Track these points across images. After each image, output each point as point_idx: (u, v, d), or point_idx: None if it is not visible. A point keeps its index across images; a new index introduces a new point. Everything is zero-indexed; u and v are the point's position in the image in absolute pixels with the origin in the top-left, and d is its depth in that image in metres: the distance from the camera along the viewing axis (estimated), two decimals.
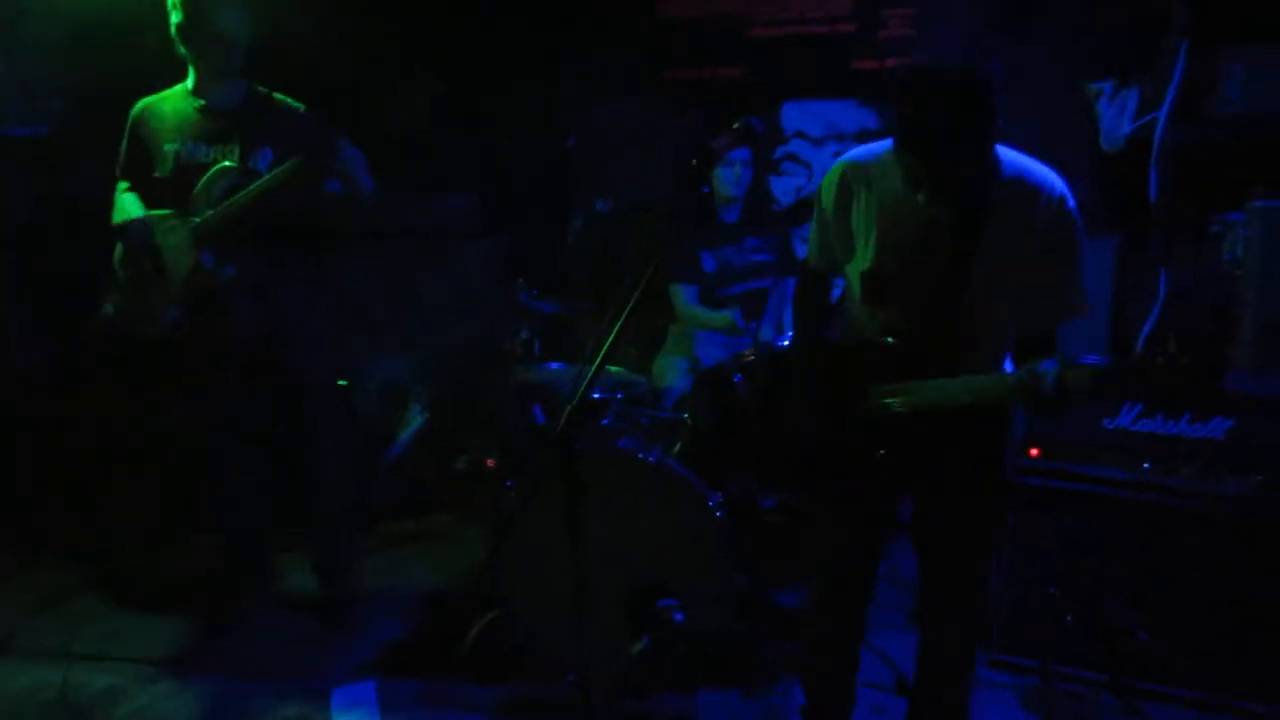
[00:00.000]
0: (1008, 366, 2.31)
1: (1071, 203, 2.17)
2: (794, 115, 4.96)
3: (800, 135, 4.97)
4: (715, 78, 4.99)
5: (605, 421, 3.35)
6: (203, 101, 3.31)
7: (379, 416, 4.75)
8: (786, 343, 3.40)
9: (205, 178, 3.24)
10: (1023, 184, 2.16)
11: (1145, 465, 3.03)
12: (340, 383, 4.42)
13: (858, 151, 2.33)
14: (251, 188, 3.19)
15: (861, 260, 2.31)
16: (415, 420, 4.80)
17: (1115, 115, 4.30)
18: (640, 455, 3.07)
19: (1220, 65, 4.02)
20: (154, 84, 3.39)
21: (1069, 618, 3.06)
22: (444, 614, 3.68)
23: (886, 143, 2.21)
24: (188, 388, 3.47)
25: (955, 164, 2.05)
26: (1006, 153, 2.19)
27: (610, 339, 2.20)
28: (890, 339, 2.29)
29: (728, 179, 4.02)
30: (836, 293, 2.60)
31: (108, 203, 3.37)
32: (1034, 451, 3.15)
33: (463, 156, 5.16)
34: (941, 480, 2.36)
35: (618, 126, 5.18)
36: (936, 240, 2.19)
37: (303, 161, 3.15)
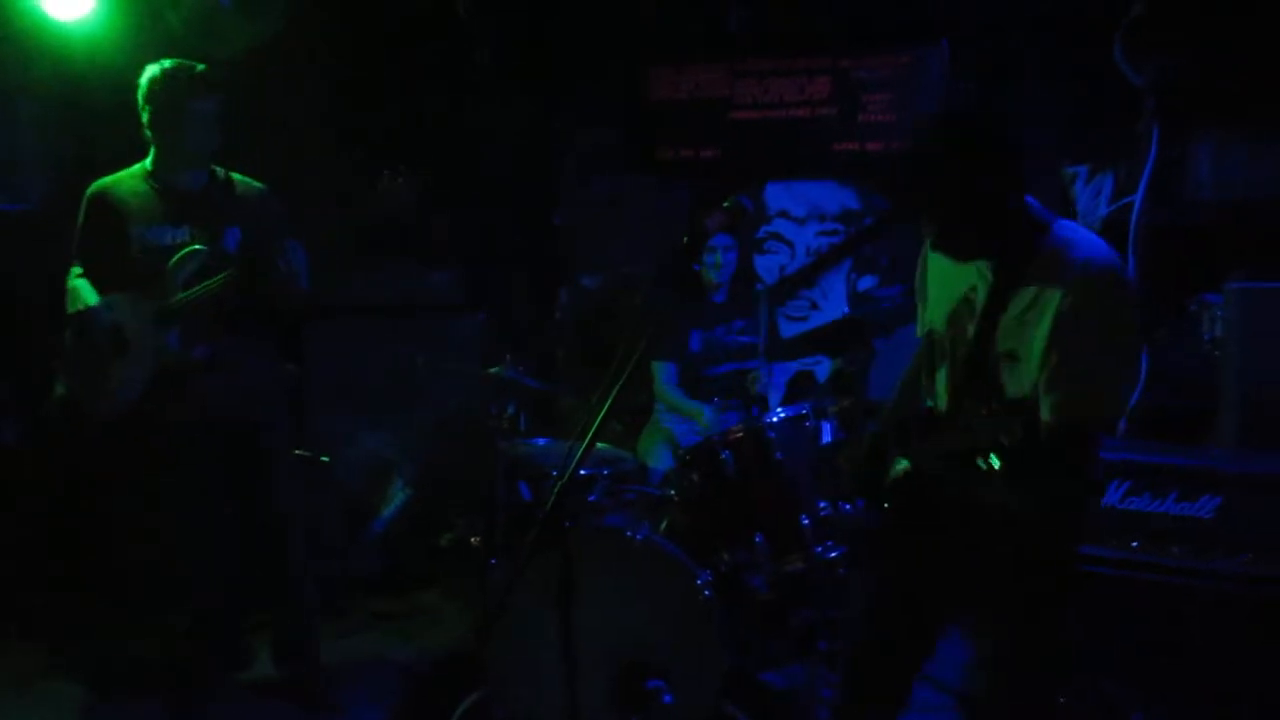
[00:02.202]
0: None
1: (1121, 291, 2.01)
2: (778, 195, 5.05)
3: (784, 215, 5.05)
4: (700, 158, 5.08)
5: (592, 498, 3.33)
6: (164, 184, 3.25)
7: (362, 492, 4.69)
8: (775, 420, 3.41)
9: (175, 259, 3.16)
10: (1063, 254, 2.02)
11: (1134, 544, 3.02)
12: (323, 459, 4.38)
13: None
14: (224, 274, 3.13)
15: (921, 325, 2.35)
16: (399, 496, 4.74)
17: (1091, 198, 4.41)
18: (628, 533, 3.05)
19: (1191, 151, 4.13)
20: (135, 161, 3.39)
21: (1061, 699, 3.02)
22: (427, 695, 3.59)
23: None
24: (147, 469, 3.35)
25: (937, 202, 2.06)
26: (1064, 226, 2.09)
27: (601, 415, 2.20)
28: (928, 408, 2.27)
29: (709, 264, 4.06)
30: None
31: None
32: None
33: (450, 233, 5.21)
34: (990, 593, 2.20)
35: (605, 204, 5.26)
36: (970, 305, 2.15)
37: (276, 246, 3.10)
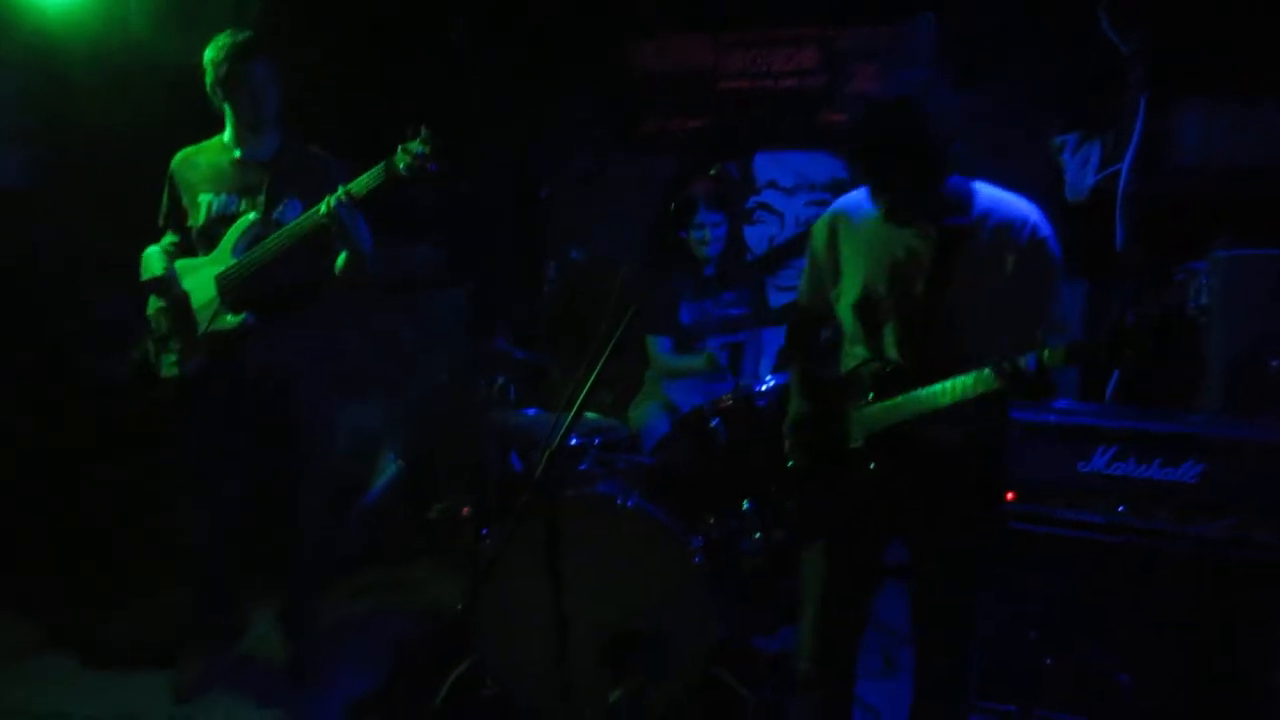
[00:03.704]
0: None
1: (1046, 232, 2.29)
2: (766, 165, 5.04)
3: (772, 185, 5.04)
4: (687, 129, 5.06)
5: (583, 466, 3.34)
6: (238, 153, 3.36)
7: (352, 465, 4.69)
8: (764, 388, 3.42)
9: (232, 229, 3.29)
10: (996, 214, 2.29)
11: (1120, 508, 3.05)
12: None
13: (846, 198, 2.50)
14: (270, 239, 3.22)
15: (850, 292, 2.43)
16: (389, 469, 4.75)
17: (1079, 168, 4.42)
18: (618, 500, 3.06)
19: (1177, 120, 4.14)
20: (127, 137, 3.40)
21: (1047, 661, 3.06)
22: (417, 665, 3.61)
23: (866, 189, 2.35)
24: (199, 432, 3.44)
25: (897, 178, 2.21)
26: (983, 187, 2.34)
27: (588, 385, 2.21)
28: (878, 362, 2.38)
29: (697, 240, 4.04)
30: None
31: (69, 256, 3.36)
32: (1009, 495, 3.16)
33: (435, 206, 5.18)
34: (936, 519, 2.40)
35: (590, 177, 5.23)
36: (916, 266, 2.31)
37: (313, 219, 3.17)
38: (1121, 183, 4.19)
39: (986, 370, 2.15)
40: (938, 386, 2.23)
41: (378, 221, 3.33)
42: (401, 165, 3.07)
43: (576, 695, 2.47)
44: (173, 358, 3.33)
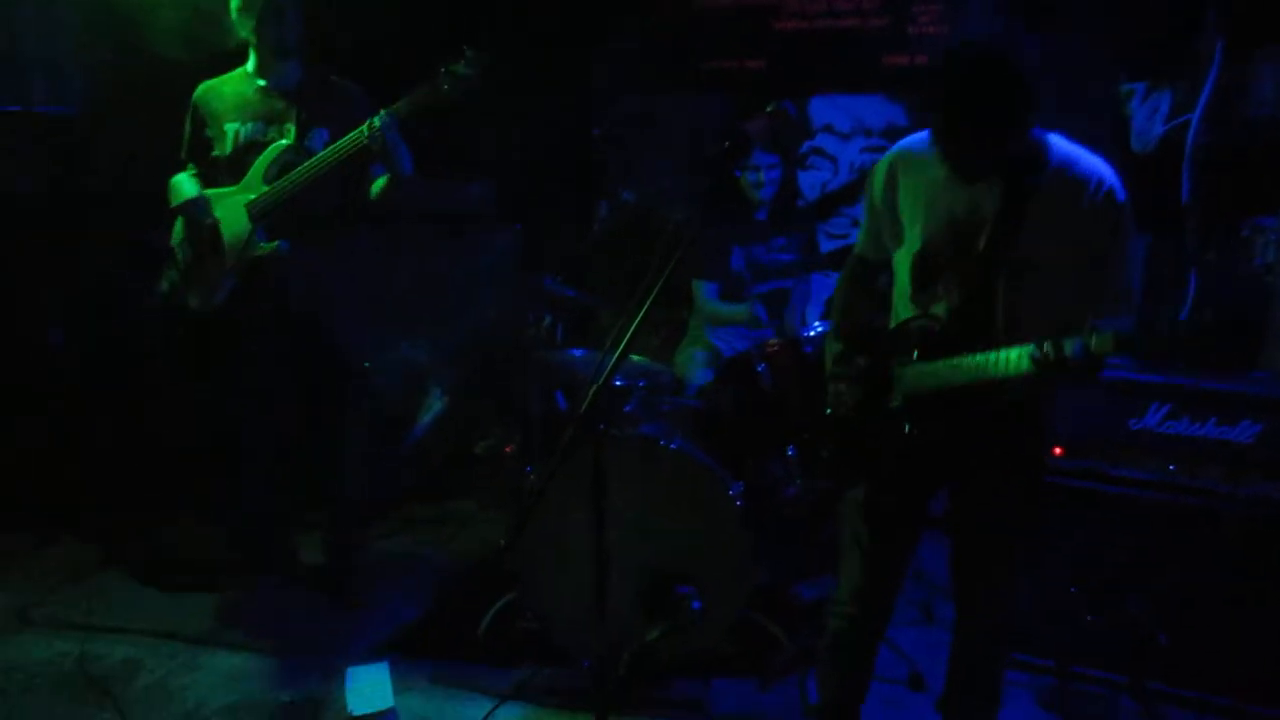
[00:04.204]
0: None
1: (1122, 195, 2.15)
2: (822, 109, 4.94)
3: (828, 129, 4.95)
4: (743, 69, 4.97)
5: (628, 408, 3.35)
6: (263, 82, 3.38)
7: (399, 400, 4.75)
8: (812, 334, 3.39)
9: (262, 156, 3.31)
10: (1070, 172, 2.16)
11: (1171, 467, 3.00)
12: (364, 365, 4.43)
13: (906, 141, 2.37)
14: (304, 166, 3.25)
15: (910, 244, 2.33)
16: (435, 405, 4.80)
17: (1147, 117, 4.28)
18: (662, 441, 3.07)
19: (1254, 69, 3.98)
20: (177, 68, 3.42)
21: (1089, 618, 3.04)
22: (460, 597, 3.69)
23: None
24: (230, 361, 3.52)
25: (979, 137, 2.07)
26: (1058, 141, 2.20)
27: (634, 325, 2.20)
28: (927, 320, 2.30)
29: (752, 183, 3.98)
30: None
31: (127, 183, 3.41)
32: (1058, 450, 3.12)
33: (488, 144, 5.17)
34: (978, 472, 2.36)
35: (645, 116, 5.18)
36: (979, 222, 2.20)
37: (354, 142, 3.19)
38: (1191, 134, 4.05)
39: (1032, 352, 2.03)
40: (981, 357, 2.15)
41: (431, 160, 3.34)
42: (446, 85, 3.09)
43: (615, 633, 2.50)
44: (203, 287, 3.37)
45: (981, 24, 4.58)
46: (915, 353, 2.30)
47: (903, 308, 2.40)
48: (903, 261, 2.37)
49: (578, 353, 3.83)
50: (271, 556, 3.81)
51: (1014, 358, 2.09)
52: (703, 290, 4.09)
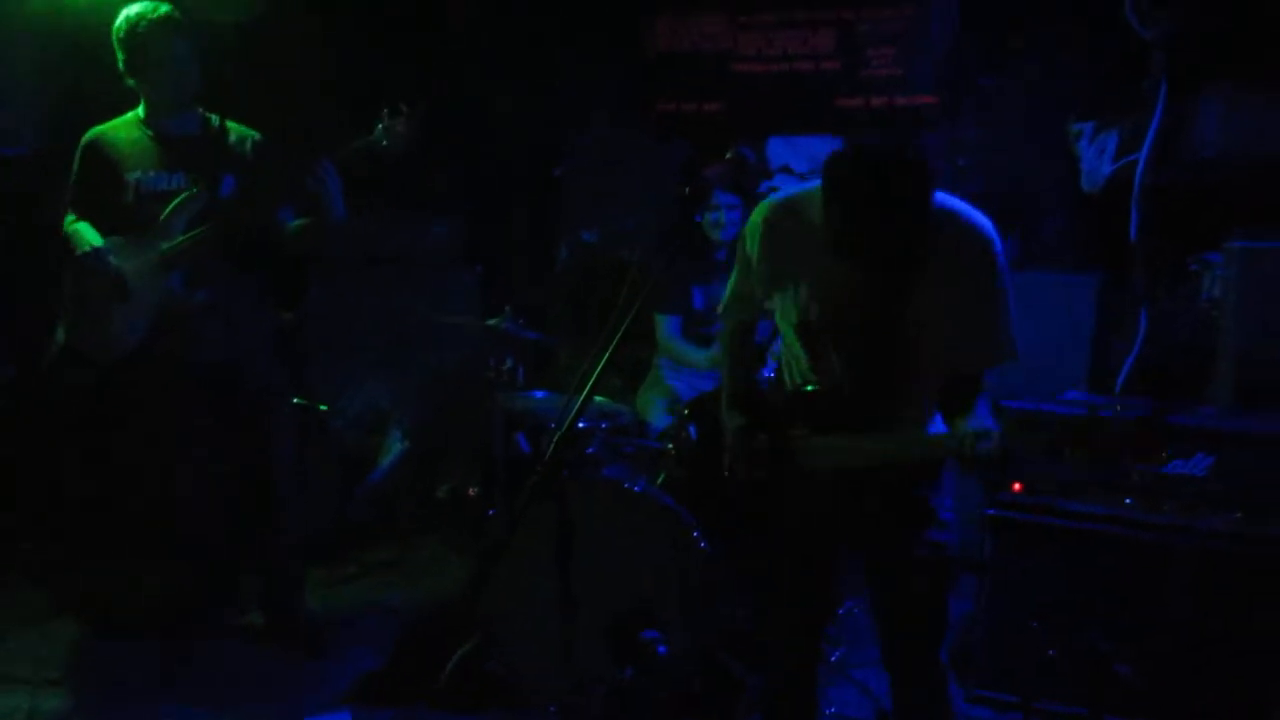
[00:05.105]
0: (937, 416, 2.30)
1: (999, 247, 2.16)
2: (780, 150, 5.01)
3: (786, 170, 5.02)
4: (701, 111, 5.03)
5: (590, 450, 3.34)
6: (158, 130, 3.28)
7: (359, 442, 4.71)
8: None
9: (172, 205, 3.21)
10: (954, 229, 2.14)
11: (1127, 501, 3.04)
12: (320, 408, 4.39)
13: (784, 193, 2.31)
14: (223, 217, 3.18)
15: (798, 308, 2.26)
16: (396, 447, 4.76)
17: (1095, 156, 4.38)
18: (625, 484, 3.07)
19: (1197, 110, 4.10)
20: (130, 105, 3.37)
21: (1051, 652, 3.06)
22: (422, 642, 3.63)
23: (814, 183, 2.12)
24: (148, 411, 3.43)
25: (884, 236, 2.01)
26: (940, 197, 2.12)
27: (599, 368, 2.20)
28: (814, 388, 2.28)
29: (712, 222, 4.02)
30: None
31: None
32: (1016, 486, 3.16)
33: (448, 184, 5.18)
34: (879, 537, 2.34)
35: (605, 157, 5.22)
36: (871, 288, 2.15)
37: (265, 190, 3.18)
38: (1139, 172, 4.15)
39: (947, 443, 2.08)
40: (889, 442, 2.17)
41: (393, 199, 3.34)
42: (385, 141, 3.11)
43: (580, 675, 2.48)
44: (105, 337, 3.27)
45: (930, 66, 4.67)
46: (816, 423, 2.27)
47: (798, 373, 2.35)
48: (787, 324, 2.32)
49: (539, 394, 3.82)
50: (222, 603, 3.73)
51: (925, 441, 2.13)
52: (665, 325, 4.10)
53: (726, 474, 2.45)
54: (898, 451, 2.17)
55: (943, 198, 2.13)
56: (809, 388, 2.28)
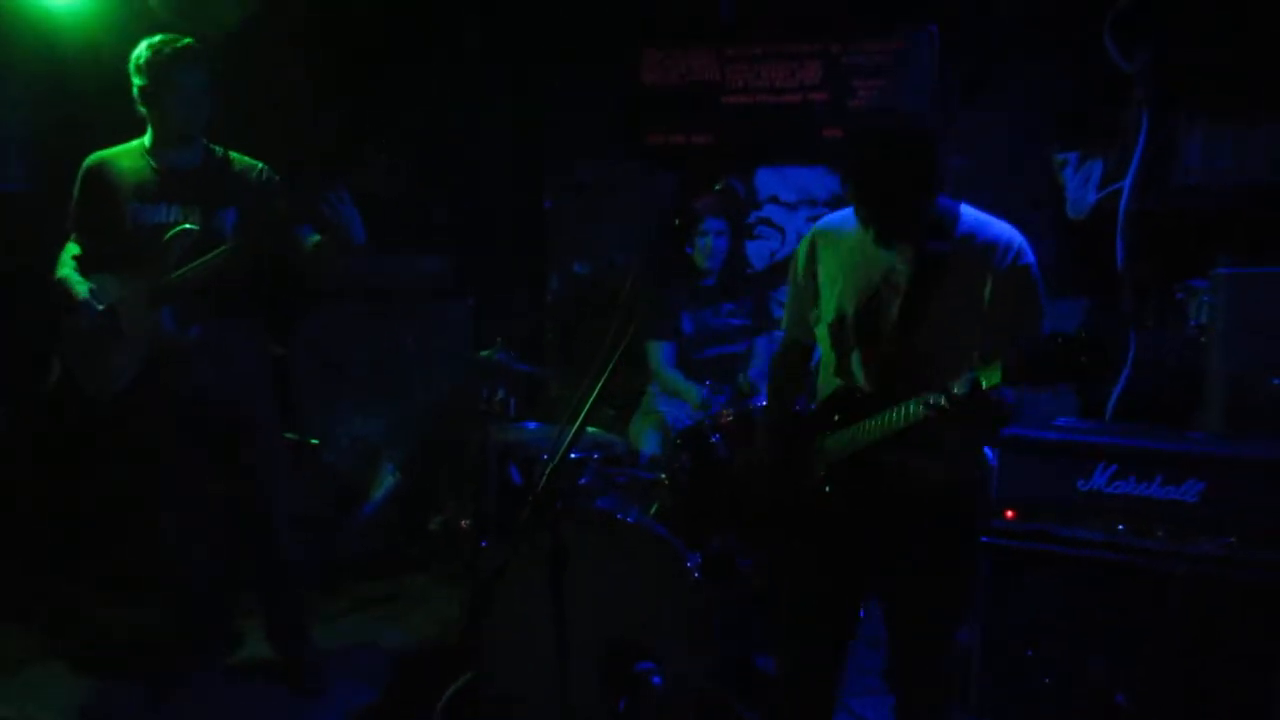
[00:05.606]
0: None
1: (1030, 258, 2.23)
2: (768, 181, 5.04)
3: (774, 200, 5.05)
4: (691, 143, 5.07)
5: (583, 481, 3.34)
6: (161, 162, 3.26)
7: (351, 475, 4.69)
8: (764, 403, 3.42)
9: (167, 238, 3.19)
10: (979, 237, 2.25)
11: (1120, 527, 3.05)
12: (312, 442, 4.38)
13: (827, 218, 2.48)
14: (217, 252, 3.15)
15: (827, 313, 2.40)
16: (388, 480, 4.74)
17: (1080, 185, 4.43)
18: (619, 515, 3.06)
19: (1180, 138, 4.16)
20: (119, 142, 3.37)
21: (1046, 679, 3.05)
22: (415, 677, 3.60)
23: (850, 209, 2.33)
24: (141, 447, 3.41)
25: (895, 204, 2.17)
26: (967, 209, 2.29)
27: (592, 399, 2.21)
28: (843, 389, 2.35)
29: (700, 248, 4.04)
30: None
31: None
32: (1009, 514, 3.16)
33: (440, 217, 5.20)
34: (908, 548, 2.36)
35: (595, 189, 5.25)
36: (894, 288, 2.28)
37: (264, 228, 3.16)
38: (1123, 201, 4.20)
39: (924, 398, 2.09)
40: (887, 413, 2.19)
41: (384, 233, 3.33)
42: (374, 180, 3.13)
43: (576, 709, 2.46)
44: (99, 373, 3.26)
45: (916, 97, 4.72)
46: (836, 418, 2.35)
47: (827, 382, 2.45)
48: (822, 335, 2.43)
49: (531, 426, 3.82)
50: (213, 641, 3.70)
51: (911, 408, 2.14)
52: (659, 353, 4.11)
53: (764, 488, 2.51)
54: (890, 421, 2.19)
55: (971, 210, 2.30)
56: (836, 390, 2.37)
